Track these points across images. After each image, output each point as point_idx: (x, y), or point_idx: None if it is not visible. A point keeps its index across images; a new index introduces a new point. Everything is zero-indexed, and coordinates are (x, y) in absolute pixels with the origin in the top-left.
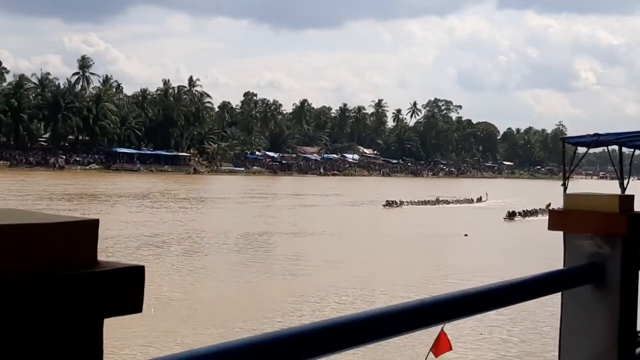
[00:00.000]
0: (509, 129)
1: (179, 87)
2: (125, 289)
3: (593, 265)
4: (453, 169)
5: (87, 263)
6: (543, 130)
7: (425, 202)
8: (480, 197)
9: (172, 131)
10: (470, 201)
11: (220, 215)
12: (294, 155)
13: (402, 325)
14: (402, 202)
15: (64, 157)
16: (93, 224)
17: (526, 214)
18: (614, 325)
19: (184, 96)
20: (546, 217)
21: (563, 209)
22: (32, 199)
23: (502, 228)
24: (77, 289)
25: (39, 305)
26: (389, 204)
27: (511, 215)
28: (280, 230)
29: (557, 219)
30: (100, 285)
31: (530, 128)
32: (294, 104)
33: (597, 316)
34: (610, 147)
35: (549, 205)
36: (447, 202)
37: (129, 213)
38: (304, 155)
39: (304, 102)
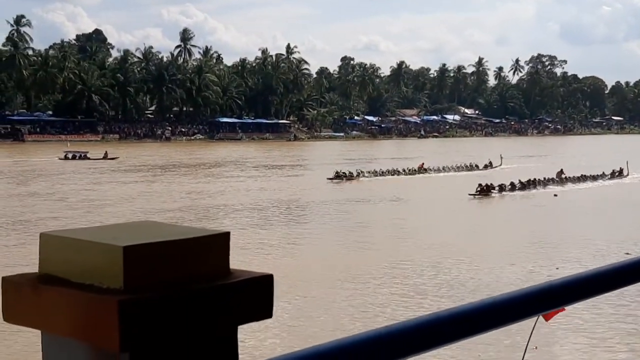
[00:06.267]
0: (618, 82)
1: (276, 55)
2: (257, 297)
3: None
4: (559, 127)
5: (222, 273)
6: None
7: (397, 172)
8: (490, 163)
9: (272, 99)
10: (472, 168)
11: (313, 182)
12: (393, 118)
13: (501, 318)
14: (360, 174)
15: (169, 128)
16: (225, 236)
17: (515, 186)
18: None
19: (282, 64)
20: (541, 191)
21: None
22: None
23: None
24: (214, 300)
25: (180, 317)
26: (339, 176)
27: (484, 190)
28: (358, 198)
29: None
30: (234, 294)
31: None
32: (391, 67)
33: None
34: None
35: (560, 172)
36: (437, 171)
37: (226, 181)
38: (403, 118)
39: (401, 64)
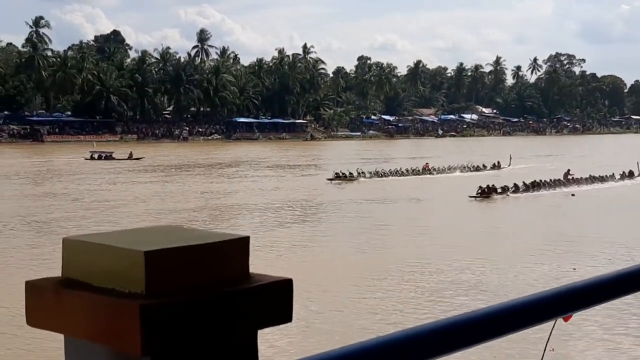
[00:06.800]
0: (637, 81)
1: (293, 55)
2: (276, 301)
3: None
4: (577, 126)
5: (242, 278)
6: None
7: (400, 173)
8: (498, 163)
9: (289, 99)
10: (479, 168)
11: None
12: (410, 117)
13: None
14: (361, 174)
15: (187, 128)
16: (245, 240)
17: (519, 188)
18: None
19: (299, 64)
20: (547, 192)
21: None
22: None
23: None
24: (234, 304)
25: (201, 321)
26: (339, 176)
27: (485, 192)
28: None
29: None
30: (254, 299)
31: None
32: (408, 66)
33: None
34: None
35: (567, 173)
36: (442, 171)
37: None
38: (421, 117)
39: (418, 63)
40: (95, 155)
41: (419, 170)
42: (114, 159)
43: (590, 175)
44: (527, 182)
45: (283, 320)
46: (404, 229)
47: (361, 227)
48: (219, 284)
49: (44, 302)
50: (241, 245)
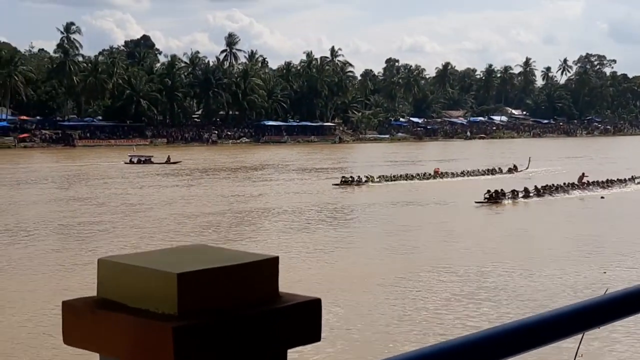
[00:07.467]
0: None
1: (321, 58)
2: (306, 321)
3: None
4: (609, 127)
5: (271, 298)
6: None
7: (410, 177)
8: (515, 166)
9: (317, 102)
10: (494, 172)
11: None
12: (439, 119)
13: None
14: (369, 179)
15: (216, 132)
16: (274, 260)
17: (530, 193)
18: None
19: (327, 67)
20: (560, 197)
21: None
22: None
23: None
24: (265, 324)
25: (232, 342)
26: (346, 181)
27: (493, 197)
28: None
29: None
30: (283, 319)
31: None
32: (436, 68)
33: None
34: None
35: (582, 176)
36: (454, 175)
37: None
38: (449, 119)
39: (447, 65)
40: (135, 160)
41: (430, 175)
42: (152, 163)
43: (608, 178)
44: (539, 187)
45: (312, 339)
46: (423, 233)
47: (383, 231)
48: (250, 304)
49: (80, 322)
50: (271, 265)
